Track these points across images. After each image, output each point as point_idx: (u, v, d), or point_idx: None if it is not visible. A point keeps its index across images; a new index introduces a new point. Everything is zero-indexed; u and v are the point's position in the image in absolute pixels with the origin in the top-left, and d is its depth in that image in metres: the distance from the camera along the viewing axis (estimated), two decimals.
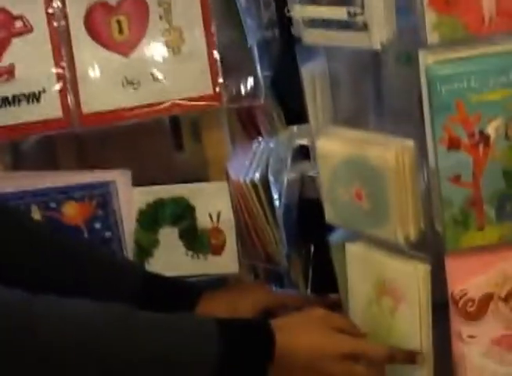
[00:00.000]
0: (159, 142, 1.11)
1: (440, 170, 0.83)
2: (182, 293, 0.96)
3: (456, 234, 0.85)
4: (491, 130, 0.82)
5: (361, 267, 0.95)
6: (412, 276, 0.89)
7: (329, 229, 0.99)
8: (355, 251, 0.95)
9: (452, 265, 0.87)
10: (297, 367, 0.84)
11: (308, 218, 1.11)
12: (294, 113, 1.14)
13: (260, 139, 1.16)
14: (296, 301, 0.99)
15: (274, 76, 1.12)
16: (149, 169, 1.11)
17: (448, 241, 0.85)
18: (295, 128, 1.20)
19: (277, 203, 1.07)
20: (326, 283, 1.03)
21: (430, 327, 0.90)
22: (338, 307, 0.98)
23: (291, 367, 0.84)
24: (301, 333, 0.85)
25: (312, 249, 1.17)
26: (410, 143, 0.86)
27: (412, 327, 0.89)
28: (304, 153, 1.13)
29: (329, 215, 0.97)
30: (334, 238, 0.99)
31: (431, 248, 0.91)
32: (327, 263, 1.01)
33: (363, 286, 0.94)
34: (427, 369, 0.90)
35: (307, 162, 1.11)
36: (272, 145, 1.16)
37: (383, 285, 0.92)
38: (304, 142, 1.11)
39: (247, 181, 1.05)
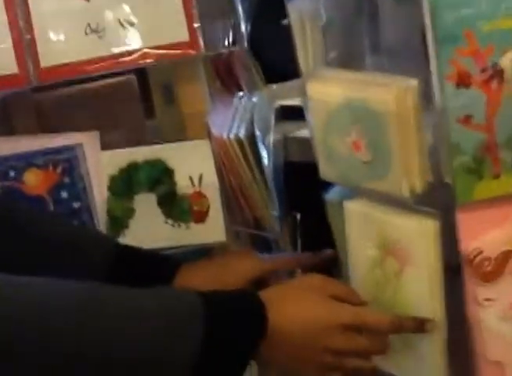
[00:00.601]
0: (127, 108, 1.05)
1: (448, 111, 0.76)
2: (158, 265, 0.89)
3: (468, 184, 0.79)
4: (505, 63, 0.76)
5: (361, 227, 0.88)
6: (420, 233, 0.82)
7: (320, 190, 0.93)
8: (354, 210, 0.89)
9: (464, 220, 0.81)
10: (293, 343, 0.78)
11: (292, 183, 1.05)
12: (272, 72, 1.09)
13: (241, 93, 1.09)
14: (288, 264, 0.93)
15: (251, 33, 1.06)
16: (119, 139, 1.05)
17: (460, 193, 0.79)
18: (275, 86, 1.12)
19: (266, 161, 1.00)
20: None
21: (442, 290, 0.84)
22: (334, 263, 0.92)
23: (286, 343, 0.77)
24: (295, 304, 0.79)
25: (299, 216, 1.10)
26: (414, 83, 0.79)
27: (420, 291, 0.84)
28: (285, 115, 1.07)
29: (324, 170, 0.90)
30: (330, 196, 0.93)
31: (440, 203, 0.84)
32: (317, 230, 0.96)
33: (364, 247, 0.88)
34: (440, 336, 0.84)
35: (289, 123, 1.06)
36: (255, 99, 1.09)
37: (386, 246, 0.86)
38: (285, 102, 1.06)
39: (231, 137, 0.98)
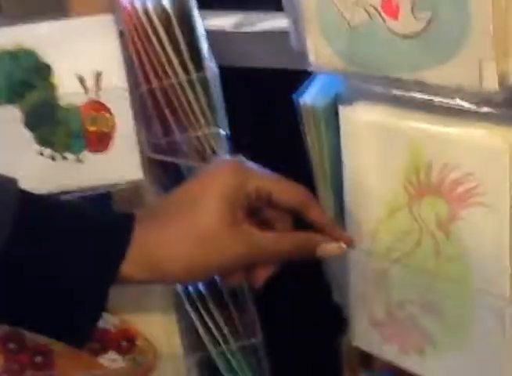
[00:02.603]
0: None
1: None
2: (101, 225, 0.56)
3: None
4: None
5: (375, 148, 0.61)
6: (496, 154, 0.54)
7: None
8: (367, 120, 0.60)
9: None
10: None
11: None
12: None
13: None
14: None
15: None
16: None
17: None
18: None
19: (204, 50, 0.66)
20: None
21: None
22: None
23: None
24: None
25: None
26: None
27: (492, 249, 0.57)
28: None
29: (319, 55, 0.60)
30: (310, 100, 0.63)
31: None
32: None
33: (380, 181, 0.61)
34: None
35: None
36: None
37: (423, 176, 0.59)
38: None
39: (150, 8, 0.63)
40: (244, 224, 0.58)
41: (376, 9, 0.54)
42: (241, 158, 0.59)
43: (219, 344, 0.74)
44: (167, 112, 0.67)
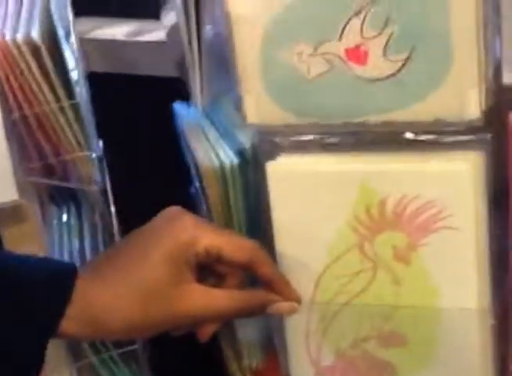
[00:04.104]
0: None
1: None
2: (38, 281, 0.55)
3: None
4: None
5: (311, 197, 0.59)
6: (458, 177, 0.55)
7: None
8: (301, 174, 0.59)
9: None
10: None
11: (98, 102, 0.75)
12: None
13: None
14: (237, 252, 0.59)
15: None
16: None
17: None
18: None
19: (75, 74, 0.69)
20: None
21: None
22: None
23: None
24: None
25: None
26: None
27: (459, 267, 0.58)
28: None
29: (263, 113, 0.57)
30: (208, 159, 0.63)
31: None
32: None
33: (320, 229, 0.60)
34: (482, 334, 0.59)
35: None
36: None
37: (377, 214, 0.58)
38: None
39: (20, 39, 0.66)
40: (192, 283, 0.57)
41: (339, 57, 0.53)
42: (190, 214, 0.58)
43: (100, 351, 0.77)
44: (40, 137, 0.71)
